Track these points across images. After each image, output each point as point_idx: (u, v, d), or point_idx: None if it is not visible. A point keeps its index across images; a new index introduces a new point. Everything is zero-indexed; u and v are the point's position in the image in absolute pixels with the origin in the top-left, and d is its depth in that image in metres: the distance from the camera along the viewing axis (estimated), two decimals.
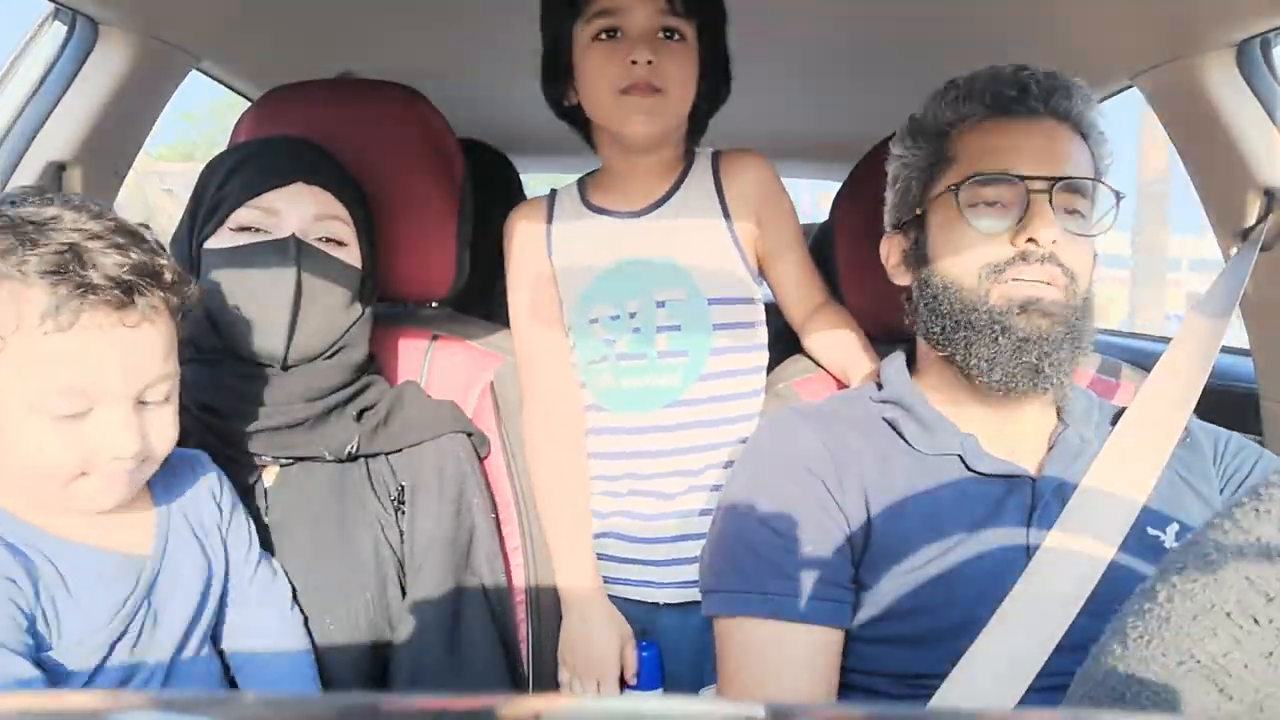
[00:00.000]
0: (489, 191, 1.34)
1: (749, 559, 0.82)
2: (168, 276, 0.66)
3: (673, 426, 1.04)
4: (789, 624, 0.77)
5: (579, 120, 1.06)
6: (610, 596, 1.05)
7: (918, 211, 0.88)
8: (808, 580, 0.78)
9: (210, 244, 0.86)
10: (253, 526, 0.82)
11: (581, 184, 1.11)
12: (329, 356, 0.89)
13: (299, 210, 0.86)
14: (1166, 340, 0.94)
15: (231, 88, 1.49)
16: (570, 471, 1.05)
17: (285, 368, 0.86)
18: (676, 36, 0.97)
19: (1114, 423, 0.85)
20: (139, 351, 0.64)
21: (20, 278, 0.60)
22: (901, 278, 0.93)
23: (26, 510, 0.66)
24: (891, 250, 0.94)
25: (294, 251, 0.84)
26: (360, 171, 1.01)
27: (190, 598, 0.73)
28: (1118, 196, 0.85)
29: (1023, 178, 0.80)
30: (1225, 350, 0.90)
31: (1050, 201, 0.80)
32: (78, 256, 0.61)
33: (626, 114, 0.96)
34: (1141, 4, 1.04)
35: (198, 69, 1.30)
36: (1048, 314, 0.79)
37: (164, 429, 0.68)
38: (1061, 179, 0.80)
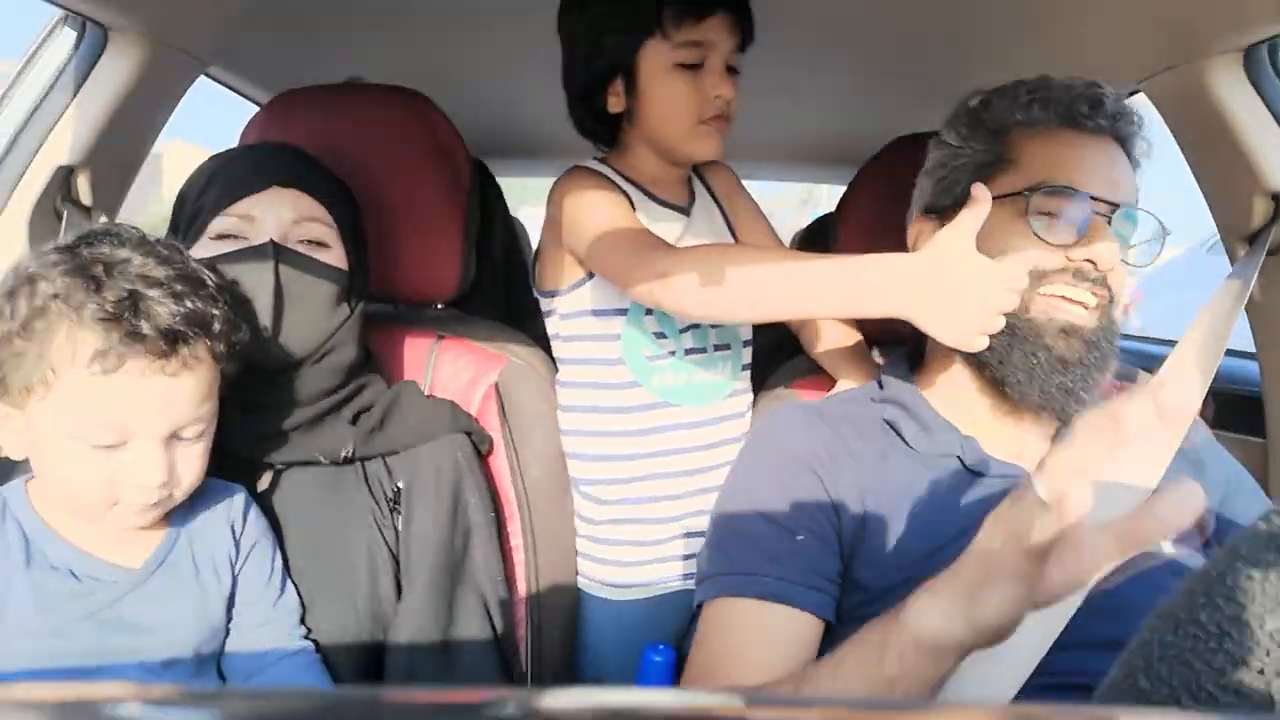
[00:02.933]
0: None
1: (739, 545, 0.82)
2: (216, 326, 0.72)
3: (729, 417, 1.10)
4: (771, 604, 0.77)
5: (603, 122, 1.06)
6: (681, 592, 1.07)
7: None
8: (795, 567, 0.78)
9: (192, 255, 0.86)
10: (278, 566, 0.82)
11: (613, 167, 1.08)
12: (318, 359, 0.88)
13: (276, 214, 0.85)
14: (1173, 343, 0.93)
15: (239, 92, 1.50)
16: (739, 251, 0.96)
17: (273, 372, 0.86)
18: (732, 70, 1.02)
19: None
20: (175, 397, 0.69)
21: (77, 320, 0.66)
22: None
23: (43, 501, 0.72)
24: (921, 235, 0.91)
25: (272, 256, 0.83)
26: (367, 175, 1.02)
27: (177, 622, 0.73)
28: (1165, 231, 0.86)
29: (1092, 197, 0.80)
30: (1231, 353, 0.90)
31: (1110, 225, 0.81)
32: (134, 305, 0.67)
33: (700, 140, 1.02)
34: (1148, 9, 1.04)
35: (206, 74, 1.31)
36: (1087, 341, 0.79)
37: (191, 463, 0.73)
38: (1123, 205, 0.81)
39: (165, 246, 0.73)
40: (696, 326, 1.08)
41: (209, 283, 0.74)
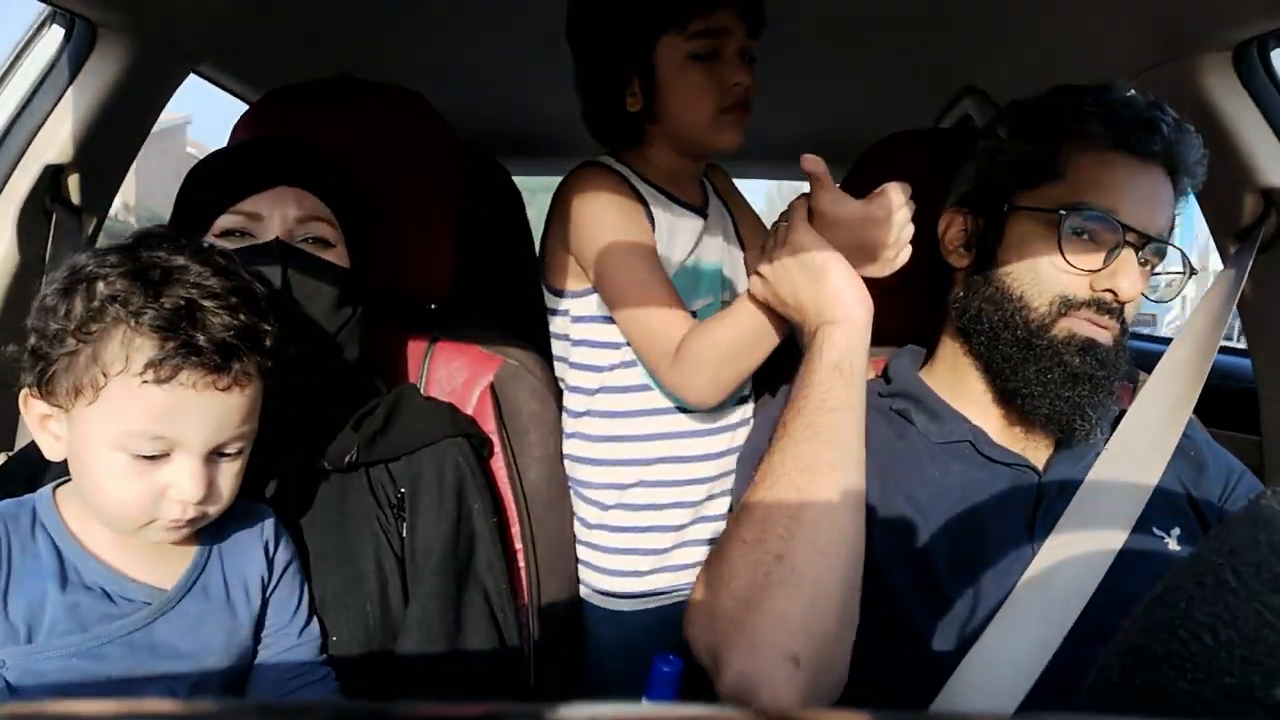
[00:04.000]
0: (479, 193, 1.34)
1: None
2: (267, 342, 0.71)
3: (734, 425, 1.10)
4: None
5: (623, 123, 1.05)
6: (679, 603, 1.06)
7: (1004, 208, 0.86)
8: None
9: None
10: (306, 593, 0.80)
11: (628, 166, 1.07)
12: (322, 361, 0.87)
13: (282, 213, 0.84)
14: (1167, 341, 0.94)
15: (229, 90, 1.49)
16: (705, 323, 0.98)
17: (278, 374, 0.85)
18: (748, 58, 1.02)
19: (1117, 422, 0.86)
20: (224, 413, 0.68)
21: (135, 327, 0.64)
22: (959, 260, 0.91)
23: (72, 512, 0.70)
24: (953, 227, 0.91)
25: (278, 255, 0.82)
26: (359, 172, 1.01)
27: (208, 646, 0.72)
28: (1191, 271, 0.86)
29: (1126, 227, 0.80)
30: (1225, 350, 0.90)
31: (1138, 256, 0.81)
32: (190, 315, 0.65)
33: (722, 130, 1.01)
34: (1138, 6, 1.05)
35: (196, 71, 1.30)
36: (1102, 360, 0.81)
37: (228, 481, 0.71)
38: (1155, 241, 0.81)
39: (221, 255, 0.72)
40: None
41: (260, 295, 0.72)
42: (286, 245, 0.84)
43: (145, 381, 0.64)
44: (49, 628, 0.65)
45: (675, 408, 1.07)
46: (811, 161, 0.81)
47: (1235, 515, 0.40)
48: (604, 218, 1.00)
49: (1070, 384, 0.80)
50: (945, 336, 0.91)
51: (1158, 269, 0.85)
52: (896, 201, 0.80)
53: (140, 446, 0.65)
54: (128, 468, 0.65)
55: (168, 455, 0.66)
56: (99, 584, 0.68)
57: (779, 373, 1.17)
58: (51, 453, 0.69)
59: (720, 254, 1.12)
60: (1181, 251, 0.85)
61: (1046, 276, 0.82)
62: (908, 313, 0.99)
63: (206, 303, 0.66)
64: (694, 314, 1.07)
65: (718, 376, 0.94)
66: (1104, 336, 0.81)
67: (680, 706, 0.77)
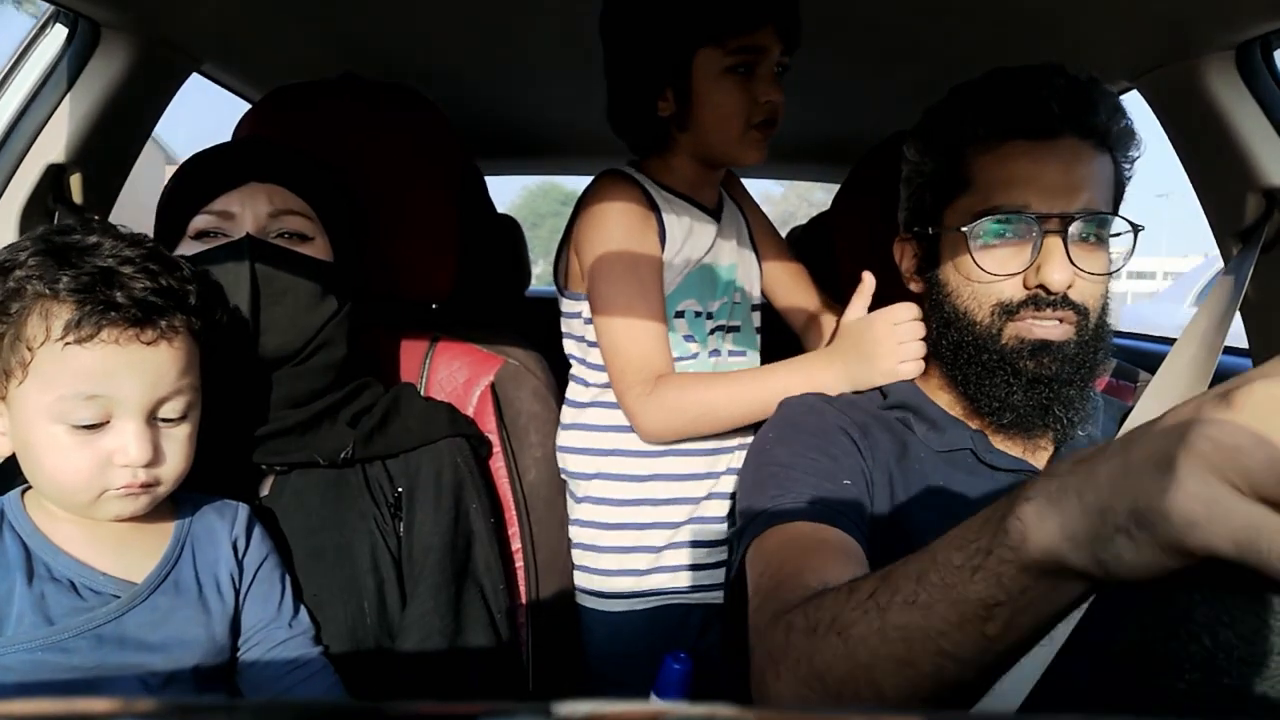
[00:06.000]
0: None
1: (779, 484, 0.78)
2: (192, 300, 0.72)
3: (743, 425, 1.08)
4: (822, 525, 0.72)
5: (651, 124, 1.05)
6: (682, 605, 1.07)
7: (930, 230, 0.86)
8: (843, 502, 0.76)
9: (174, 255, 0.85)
10: (288, 585, 0.80)
11: (649, 174, 1.08)
12: (306, 357, 0.86)
13: (253, 209, 0.84)
14: (1171, 343, 0.93)
15: (233, 90, 1.49)
16: (702, 381, 1.01)
17: (260, 370, 0.84)
18: (781, 73, 1.03)
19: (1120, 423, 0.85)
20: (155, 367, 0.68)
21: (51, 295, 0.65)
22: (916, 286, 0.92)
23: (40, 511, 0.71)
24: (905, 255, 0.92)
25: (247, 251, 0.82)
26: (361, 172, 1.01)
27: (180, 640, 0.71)
28: (1135, 230, 0.82)
29: (1038, 216, 0.77)
30: (1228, 351, 0.90)
31: (1065, 239, 0.77)
32: (107, 279, 0.67)
33: (747, 147, 1.02)
34: (1141, 6, 1.04)
35: (199, 71, 1.30)
36: (1058, 357, 0.78)
37: (177, 448, 0.72)
38: (1076, 215, 0.77)
39: (135, 235, 0.73)
40: (721, 330, 1.09)
41: (183, 267, 0.73)
42: (257, 240, 0.83)
43: (68, 344, 0.65)
44: (15, 621, 0.66)
45: None
46: (868, 279, 0.93)
47: None
48: (611, 229, 1.01)
49: (1029, 390, 0.79)
50: (928, 355, 0.91)
51: (1106, 236, 0.81)
52: (899, 316, 0.90)
53: (77, 413, 0.66)
54: (68, 439, 0.66)
55: (107, 423, 0.67)
56: (67, 576, 0.68)
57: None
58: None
59: (734, 256, 1.13)
60: (1115, 215, 0.81)
61: (981, 289, 0.80)
62: None
63: (123, 269, 0.68)
64: (710, 315, 1.08)
65: (687, 429, 1.00)
66: (1056, 333, 0.78)
67: (682, 705, 0.77)
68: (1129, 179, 0.84)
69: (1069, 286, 0.78)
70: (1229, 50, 1.05)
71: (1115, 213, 0.82)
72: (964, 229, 0.80)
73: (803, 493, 0.76)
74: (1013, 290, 0.79)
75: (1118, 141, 0.81)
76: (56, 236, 0.69)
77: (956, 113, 0.84)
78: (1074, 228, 0.78)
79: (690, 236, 1.06)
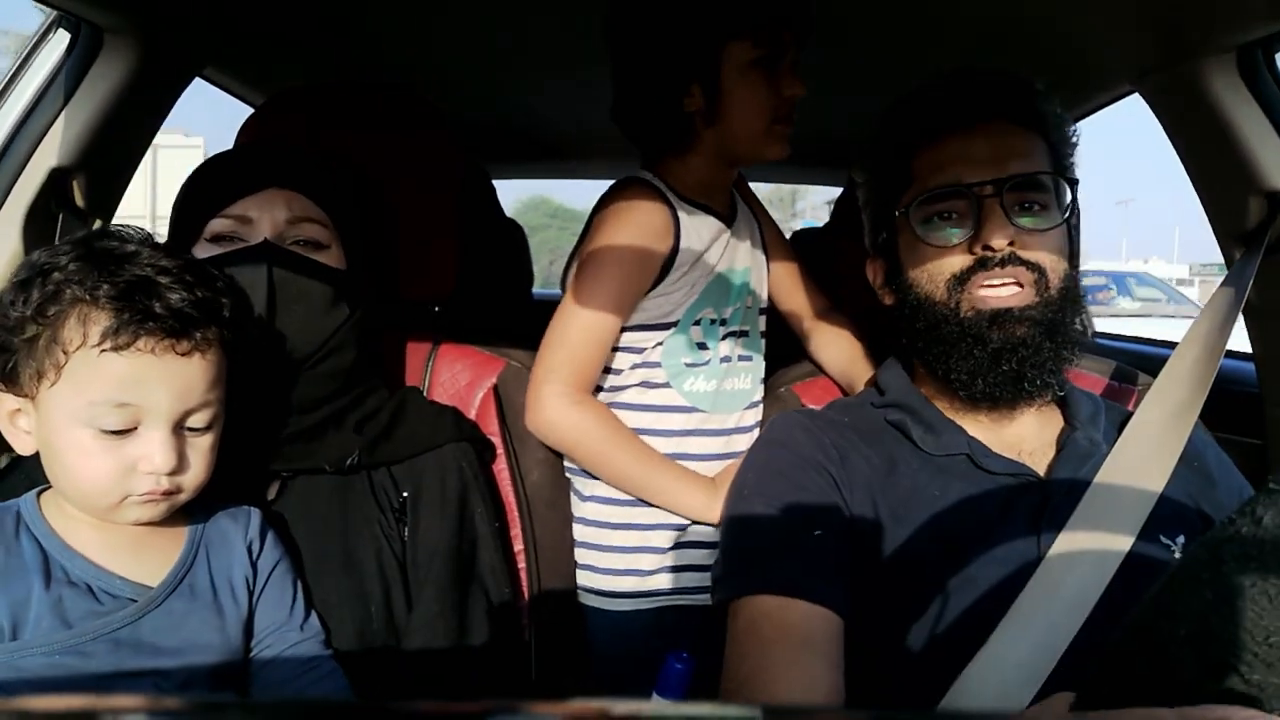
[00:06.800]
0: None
1: (753, 542, 0.82)
2: (225, 313, 0.73)
3: (749, 427, 1.11)
4: (788, 599, 0.76)
5: (674, 121, 1.03)
6: (685, 605, 1.07)
7: (883, 236, 0.91)
8: (810, 562, 0.78)
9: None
10: (300, 589, 0.80)
11: (666, 179, 1.07)
12: (317, 363, 0.86)
13: (272, 215, 0.85)
14: (1173, 345, 0.93)
15: (235, 94, 1.49)
16: (618, 426, 1.04)
17: (272, 375, 0.84)
18: (797, 67, 1.03)
19: (1121, 427, 0.85)
20: (186, 379, 0.69)
21: (91, 301, 0.66)
22: (888, 298, 0.94)
23: (57, 514, 0.71)
24: (875, 273, 0.96)
25: (266, 257, 0.82)
26: (362, 174, 1.01)
27: (195, 644, 0.72)
28: (1071, 185, 0.86)
29: (970, 185, 0.81)
30: (1230, 355, 0.90)
31: (1002, 204, 0.80)
32: (145, 289, 0.67)
33: (773, 140, 1.02)
34: (1142, 9, 1.04)
35: (201, 76, 1.31)
36: (1021, 320, 0.80)
37: (200, 456, 0.72)
38: (1008, 179, 0.81)
39: (170, 245, 0.74)
40: (732, 335, 1.10)
41: (219, 279, 0.75)
42: (274, 247, 0.84)
43: (104, 350, 0.65)
44: (34, 625, 0.66)
45: (693, 407, 1.08)
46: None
47: (1235, 511, 0.40)
48: (620, 235, 1.02)
49: (995, 360, 0.81)
50: (914, 360, 0.93)
51: (1051, 203, 0.84)
52: None
53: (106, 418, 0.66)
54: (95, 444, 0.67)
55: (135, 430, 0.68)
56: (84, 580, 0.69)
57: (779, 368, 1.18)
58: (21, 447, 0.70)
59: (748, 260, 1.13)
60: (1049, 173, 0.84)
61: (934, 267, 0.84)
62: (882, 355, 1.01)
63: (161, 279, 0.68)
64: (724, 321, 1.08)
65: (567, 449, 1.04)
66: (1015, 299, 0.81)
67: (686, 705, 0.77)
68: (1071, 167, 0.87)
69: (1012, 244, 0.80)
70: (1230, 52, 1.05)
71: (1046, 173, 0.84)
72: (906, 210, 0.85)
73: (774, 553, 0.79)
74: (961, 260, 0.82)
75: (1049, 126, 0.86)
76: (96, 242, 0.70)
77: (893, 123, 0.90)
78: (1010, 194, 0.81)
79: (709, 247, 1.06)
